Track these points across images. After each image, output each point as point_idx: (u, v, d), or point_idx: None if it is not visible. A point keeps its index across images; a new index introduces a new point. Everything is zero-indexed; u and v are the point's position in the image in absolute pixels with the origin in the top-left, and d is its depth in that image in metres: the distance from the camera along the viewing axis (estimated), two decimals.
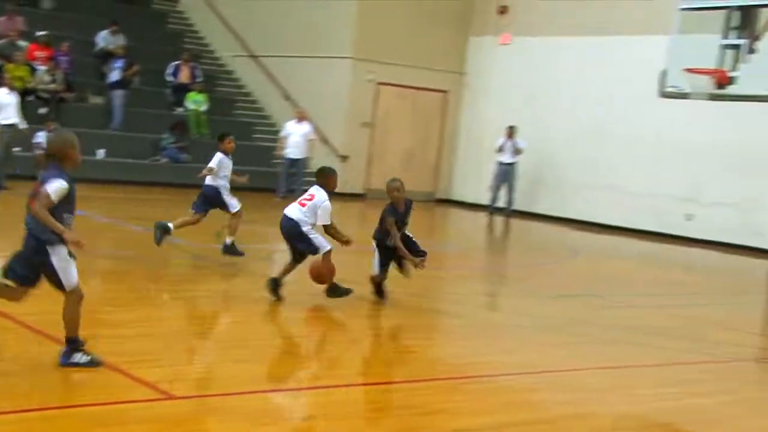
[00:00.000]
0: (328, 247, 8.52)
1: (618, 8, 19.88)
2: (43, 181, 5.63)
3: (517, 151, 20.55)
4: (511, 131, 20.62)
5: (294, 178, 19.76)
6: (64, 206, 5.66)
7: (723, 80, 12.88)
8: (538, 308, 10.00)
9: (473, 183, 22.71)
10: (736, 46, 12.49)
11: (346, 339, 8.02)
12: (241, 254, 10.61)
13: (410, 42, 21.88)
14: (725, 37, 12.67)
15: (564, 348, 8.03)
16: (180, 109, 20.78)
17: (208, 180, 10.70)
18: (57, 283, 5.72)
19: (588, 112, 20.44)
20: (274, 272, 8.73)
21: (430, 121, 23.06)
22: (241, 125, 21.32)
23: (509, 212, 20.58)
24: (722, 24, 12.71)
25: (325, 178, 8.81)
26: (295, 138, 19.65)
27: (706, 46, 12.90)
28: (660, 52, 13.64)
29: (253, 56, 23.10)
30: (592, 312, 10.11)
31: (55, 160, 5.73)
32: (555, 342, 8.25)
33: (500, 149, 20.71)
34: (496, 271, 13.57)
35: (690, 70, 13.02)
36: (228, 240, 10.62)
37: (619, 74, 19.75)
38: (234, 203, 10.79)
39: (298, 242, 8.52)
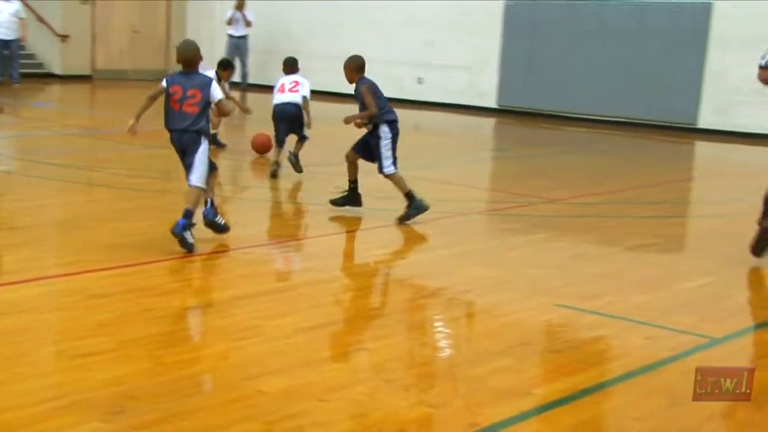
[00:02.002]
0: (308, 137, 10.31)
1: None
2: (195, 85, 6.56)
3: (247, 24, 20.09)
4: (240, 3, 20.08)
5: (9, 61, 18.36)
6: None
7: None
8: (273, 181, 9.95)
9: (207, 58, 22.00)
10: None
11: (65, 225, 7.58)
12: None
13: None
14: None
15: (299, 218, 8.03)
16: None
17: None
18: (196, 166, 6.64)
19: None
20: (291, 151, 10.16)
21: None
22: None
23: (245, 86, 20.25)
24: None
25: (296, 66, 10.56)
26: (4, 17, 18.16)
27: None
28: None
29: None
30: (323, 180, 10.20)
31: (189, 64, 6.64)
32: (283, 213, 8.25)
33: (230, 22, 20.16)
34: (231, 147, 13.32)
35: None
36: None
37: None
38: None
39: (298, 125, 10.19)
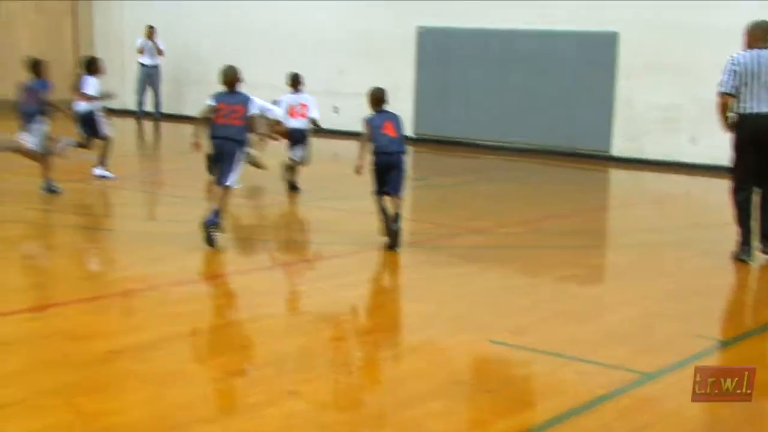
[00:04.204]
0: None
1: None
2: (239, 102, 7.90)
3: (159, 52, 19.77)
4: (150, 31, 19.76)
5: None
6: None
7: None
8: (193, 213, 9.69)
9: (118, 88, 21.57)
10: None
11: None
12: None
13: None
14: None
15: (222, 252, 7.82)
16: None
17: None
18: (230, 176, 7.81)
19: (229, 8, 20.04)
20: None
21: (61, 25, 21.57)
22: None
23: (158, 116, 19.88)
24: None
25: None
26: None
27: None
28: None
29: None
30: (245, 213, 10.01)
31: (230, 85, 7.99)
32: (202, 247, 8.02)
33: (141, 51, 19.82)
34: (149, 178, 13.04)
35: None
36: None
37: None
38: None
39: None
